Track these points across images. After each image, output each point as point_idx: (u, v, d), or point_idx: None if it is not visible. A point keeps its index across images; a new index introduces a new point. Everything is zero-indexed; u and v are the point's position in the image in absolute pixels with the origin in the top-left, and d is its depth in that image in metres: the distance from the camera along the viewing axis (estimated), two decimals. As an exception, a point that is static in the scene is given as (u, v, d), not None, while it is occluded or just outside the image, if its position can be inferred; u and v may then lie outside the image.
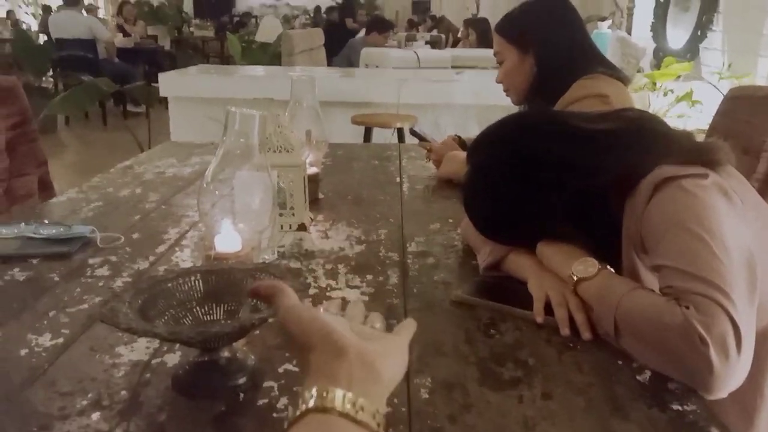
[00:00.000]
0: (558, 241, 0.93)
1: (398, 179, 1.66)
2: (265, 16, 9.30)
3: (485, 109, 3.26)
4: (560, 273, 0.89)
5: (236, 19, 14.41)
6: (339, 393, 0.45)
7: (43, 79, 6.56)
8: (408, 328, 0.58)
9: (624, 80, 1.50)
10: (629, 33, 3.50)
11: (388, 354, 0.51)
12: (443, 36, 7.64)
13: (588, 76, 1.44)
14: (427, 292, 0.96)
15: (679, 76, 2.91)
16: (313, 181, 1.42)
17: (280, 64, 5.18)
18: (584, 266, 0.86)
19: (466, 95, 3.42)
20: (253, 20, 13.84)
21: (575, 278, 0.85)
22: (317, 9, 12.79)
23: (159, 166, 1.73)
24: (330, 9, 10.33)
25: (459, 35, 7.50)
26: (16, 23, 10.54)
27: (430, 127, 3.34)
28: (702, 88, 3.09)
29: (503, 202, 0.96)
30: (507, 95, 1.61)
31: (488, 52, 4.92)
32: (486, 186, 0.99)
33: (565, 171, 0.90)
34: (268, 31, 6.39)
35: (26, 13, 12.77)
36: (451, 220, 1.29)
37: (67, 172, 4.90)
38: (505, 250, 0.99)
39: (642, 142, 0.91)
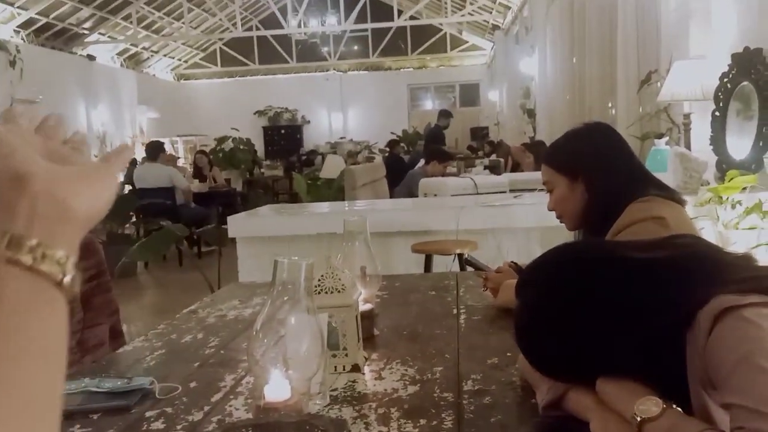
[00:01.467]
0: (619, 376, 0.88)
1: (455, 310, 1.64)
2: (329, 155, 9.83)
3: (547, 230, 3.23)
4: (623, 413, 0.83)
5: (303, 157, 15.27)
6: (14, 235, 0.36)
7: (126, 226, 7.03)
8: (121, 154, 0.47)
9: (680, 201, 1.47)
10: (688, 147, 3.47)
11: (87, 184, 0.41)
12: (502, 160, 7.79)
13: (642, 199, 1.42)
14: (483, 437, 0.91)
15: (744, 188, 2.83)
16: (367, 317, 1.42)
17: (344, 199, 5.39)
18: (648, 405, 0.80)
19: (527, 218, 3.42)
20: (319, 157, 14.64)
21: (639, 419, 0.79)
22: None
23: (221, 309, 1.78)
24: (392, 142, 10.82)
25: (515, 159, 7.65)
26: (105, 176, 11.49)
27: (492, 251, 3.33)
28: (772, 197, 2.98)
29: (555, 340, 0.92)
30: (561, 221, 1.61)
31: (546, 173, 4.98)
32: (537, 323, 0.96)
33: (621, 311, 0.87)
34: (331, 168, 6.72)
35: (115, 166, 13.95)
36: (509, 354, 1.25)
37: (144, 314, 5.10)
38: (564, 387, 0.94)
39: (699, 271, 0.87)
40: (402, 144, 12.56)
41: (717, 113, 3.44)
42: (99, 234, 7.34)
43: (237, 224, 3.52)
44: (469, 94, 18.31)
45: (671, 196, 1.46)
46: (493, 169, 6.59)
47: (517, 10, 12.62)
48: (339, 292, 1.22)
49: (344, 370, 1.21)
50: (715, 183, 3.32)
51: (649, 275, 0.88)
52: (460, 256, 3.09)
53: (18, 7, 11.66)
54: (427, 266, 3.20)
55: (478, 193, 4.08)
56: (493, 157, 8.63)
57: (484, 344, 1.35)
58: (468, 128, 16.26)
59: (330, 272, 1.23)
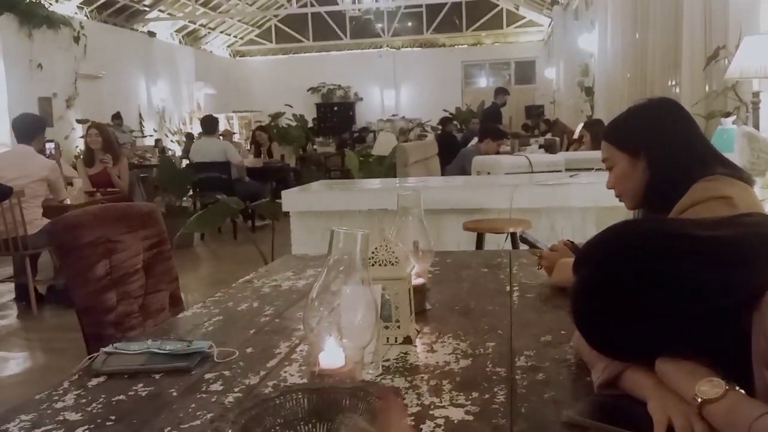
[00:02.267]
0: (680, 357, 0.86)
1: (508, 288, 1.63)
2: (381, 131, 9.82)
3: (603, 211, 3.16)
4: (683, 393, 0.81)
5: (355, 134, 15.32)
6: None
7: (184, 199, 7.22)
8: None
9: (748, 181, 1.41)
10: (756, 127, 3.32)
11: None
12: (557, 139, 7.63)
13: (708, 178, 1.37)
14: (536, 412, 0.91)
15: (817, 168, 2.70)
16: (420, 291, 1.43)
17: (395, 176, 5.39)
18: (710, 386, 0.78)
19: (582, 198, 3.35)
20: (371, 135, 14.65)
21: (700, 400, 0.78)
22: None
23: (276, 280, 1.82)
24: (444, 120, 10.73)
25: (574, 137, 7.47)
26: (162, 150, 11.83)
27: (546, 231, 3.28)
28: None
29: (614, 318, 0.90)
30: (620, 200, 1.57)
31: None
32: (594, 301, 0.94)
33: (683, 291, 0.84)
34: (383, 144, 6.73)
35: (172, 141, 14.36)
36: (563, 332, 1.23)
37: (200, 285, 5.25)
38: (622, 366, 0.92)
39: (767, 251, 0.84)
40: (455, 122, 12.43)
41: (790, 91, 3.27)
42: (159, 206, 7.58)
43: (290, 199, 3.57)
44: (525, 72, 17.93)
45: (739, 175, 1.40)
46: (549, 148, 6.45)
47: (577, -16, 12.23)
48: (392, 264, 1.23)
49: (396, 341, 1.22)
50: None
51: (714, 254, 0.85)
52: (513, 235, 3.06)
53: (82, -15, 12.01)
54: (479, 245, 3.18)
55: (532, 172, 4.01)
56: (549, 136, 8.45)
57: (537, 321, 1.34)
58: (523, 106, 15.96)
59: (384, 245, 1.24)
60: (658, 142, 1.44)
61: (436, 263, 1.88)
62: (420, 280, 1.46)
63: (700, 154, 1.43)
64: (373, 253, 1.23)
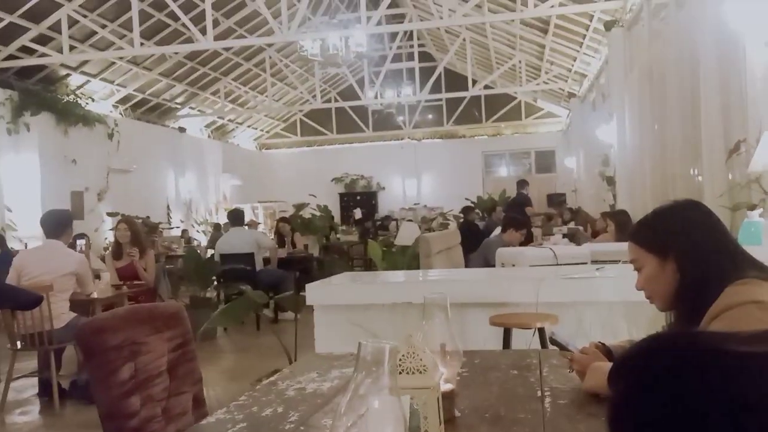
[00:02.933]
0: None
1: (539, 393, 1.57)
2: (404, 222, 9.91)
3: (632, 306, 3.09)
4: None
5: (378, 223, 15.47)
6: None
7: (208, 290, 7.26)
8: None
9: None
10: (784, 218, 3.29)
11: None
12: (581, 228, 7.62)
13: (740, 282, 1.34)
14: None
15: None
16: (448, 398, 1.39)
17: (418, 266, 5.38)
18: None
19: (610, 292, 3.30)
20: (394, 223, 14.77)
21: None
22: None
23: (300, 382, 1.79)
24: (466, 209, 10.81)
25: (597, 227, 7.45)
26: (189, 241, 12.02)
27: (574, 326, 3.21)
28: None
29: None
30: (651, 302, 1.54)
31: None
32: (631, 421, 0.90)
33: (728, 412, 0.81)
34: (406, 234, 6.76)
35: (198, 231, 14.62)
36: (600, 444, 1.18)
37: (222, 378, 5.18)
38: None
39: None
40: (477, 210, 12.52)
41: (815, 183, 3.26)
42: (182, 297, 7.61)
43: (314, 292, 3.56)
44: (545, 161, 18.20)
45: None
46: (573, 237, 6.44)
47: (593, 78, 12.60)
48: (420, 373, 1.20)
49: (425, 454, 1.17)
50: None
51: (760, 371, 0.82)
52: (541, 330, 2.99)
53: (117, 85, 12.67)
54: (506, 340, 3.11)
55: (558, 264, 3.98)
56: (572, 224, 8.45)
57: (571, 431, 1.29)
58: (544, 195, 16.07)
59: (411, 352, 1.22)
60: (687, 245, 1.43)
61: (464, 364, 1.84)
62: (448, 386, 1.42)
63: (730, 256, 1.41)
64: (400, 360, 1.21)
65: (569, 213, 11.05)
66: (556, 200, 14.85)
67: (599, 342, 1.67)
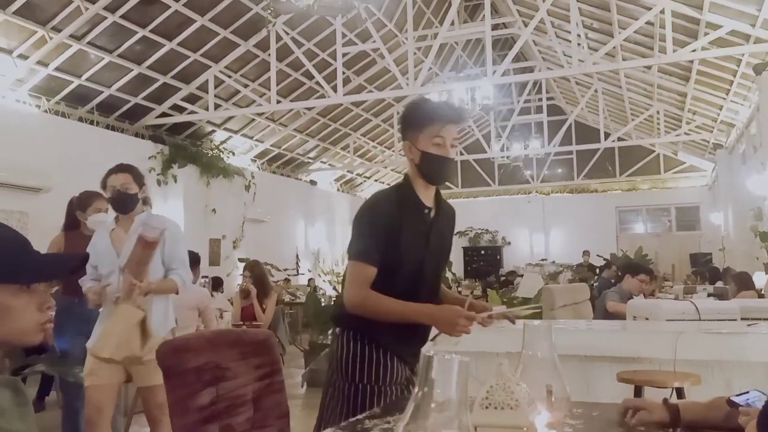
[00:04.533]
0: None
1: (669, 454, 1.29)
2: (527, 273, 9.47)
3: (793, 368, 2.62)
4: None
5: (502, 278, 14.97)
6: None
7: (327, 335, 7.26)
8: None
9: None
10: None
11: None
12: (729, 287, 6.83)
13: None
14: None
15: None
16: (551, 449, 1.16)
17: (541, 319, 5.03)
18: None
19: (765, 351, 2.82)
20: (518, 279, 14.21)
21: None
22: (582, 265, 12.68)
23: (389, 422, 1.61)
24: (604, 265, 10.15)
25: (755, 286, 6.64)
26: (315, 289, 12.27)
27: (720, 389, 2.76)
28: None
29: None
30: None
31: (789, 302, 4.18)
32: None
33: None
34: (529, 286, 6.40)
35: (324, 281, 14.94)
36: None
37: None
38: None
39: None
40: (614, 267, 11.73)
41: None
42: (302, 342, 7.68)
43: (423, 337, 3.38)
44: (688, 217, 16.86)
45: None
46: (720, 297, 5.76)
47: (742, 128, 11.58)
48: (511, 408, 1.00)
49: None
50: None
51: None
52: (679, 390, 2.59)
53: (256, 140, 13.50)
54: (636, 400, 2.73)
55: (700, 320, 3.51)
56: (719, 284, 7.62)
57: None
58: (687, 254, 14.82)
59: (501, 384, 1.02)
60: None
61: (578, 415, 1.58)
62: (552, 433, 1.19)
63: None
64: (487, 392, 1.02)
65: (711, 273, 9.99)
66: (701, 260, 13.60)
67: (665, 398, 1.39)
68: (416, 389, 0.77)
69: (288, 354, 8.08)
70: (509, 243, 18.09)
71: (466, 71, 13.85)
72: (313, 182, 16.05)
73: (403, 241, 1.97)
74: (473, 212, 18.09)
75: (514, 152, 15.65)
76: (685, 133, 13.64)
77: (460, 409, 0.77)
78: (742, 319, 3.53)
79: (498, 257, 17.99)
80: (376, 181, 19.09)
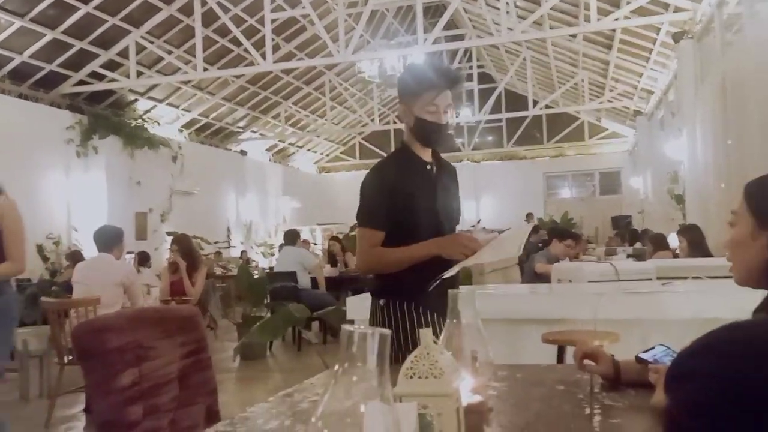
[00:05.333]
0: None
1: (588, 411, 1.34)
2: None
3: (704, 323, 2.77)
4: None
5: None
6: None
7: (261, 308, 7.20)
8: None
9: None
10: None
11: None
12: (647, 248, 7.16)
13: None
14: None
15: None
16: (476, 412, 1.18)
17: (471, 284, 5.14)
18: None
19: (681, 309, 2.99)
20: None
21: None
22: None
23: (318, 394, 1.61)
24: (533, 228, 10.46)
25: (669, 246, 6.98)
26: (248, 261, 12.11)
27: (638, 346, 2.90)
28: None
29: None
30: (730, 270, 1.29)
31: (700, 262, 4.43)
32: (701, 428, 0.68)
33: None
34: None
35: (257, 252, 14.76)
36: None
37: (266, 397, 5.05)
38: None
39: None
40: (541, 231, 12.10)
41: None
42: (235, 316, 7.59)
43: (356, 306, 3.39)
44: (610, 182, 17.55)
45: None
46: (638, 258, 6.04)
47: (661, 95, 12.07)
48: (435, 377, 1.01)
49: (440, 477, 0.97)
50: None
51: None
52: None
53: (182, 109, 13.04)
54: (560, 360, 2.84)
55: (619, 280, 3.67)
56: (638, 245, 7.98)
57: (623, 457, 1.05)
58: (609, 217, 15.46)
59: (425, 353, 1.03)
60: None
61: (503, 378, 1.63)
62: (476, 398, 1.21)
63: None
64: (412, 362, 1.02)
65: (630, 234, 10.46)
66: (621, 222, 14.21)
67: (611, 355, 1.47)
68: (336, 366, 0.77)
69: (220, 328, 7.98)
70: (442, 210, 18.34)
71: (398, 39, 13.77)
72: (243, 152, 15.71)
73: (413, 201, 2.05)
74: (406, 180, 18.18)
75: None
76: (608, 101, 14.10)
77: (383, 382, 0.77)
78: (657, 278, 3.71)
79: (431, 224, 18.23)
80: (309, 150, 18.88)
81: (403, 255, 2.00)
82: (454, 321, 1.24)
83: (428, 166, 2.14)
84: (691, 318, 2.91)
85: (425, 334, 1.05)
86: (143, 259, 7.57)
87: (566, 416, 1.32)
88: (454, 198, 2.23)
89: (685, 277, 3.47)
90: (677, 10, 8.61)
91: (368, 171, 2.18)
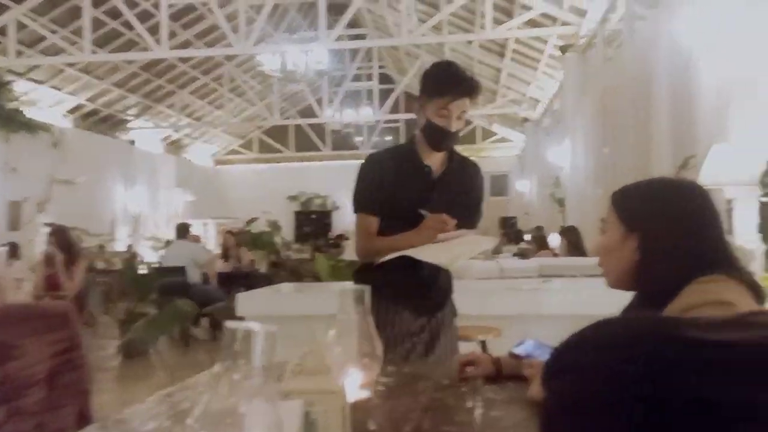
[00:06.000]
0: None
1: (471, 404, 1.39)
2: (353, 238, 9.69)
3: (579, 320, 2.94)
4: None
5: (330, 241, 15.22)
6: None
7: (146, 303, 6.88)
8: None
9: (755, 288, 1.20)
10: (730, 233, 3.22)
11: None
12: (531, 247, 7.54)
13: (706, 278, 1.17)
14: None
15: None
16: (362, 408, 1.19)
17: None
18: None
19: (558, 305, 3.17)
20: (346, 242, 14.54)
21: None
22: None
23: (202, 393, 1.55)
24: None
25: (550, 246, 7.39)
26: (134, 255, 11.54)
27: (518, 339, 3.05)
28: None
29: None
30: (603, 275, 1.37)
31: (579, 261, 4.72)
32: (575, 423, 0.71)
33: (692, 412, 0.62)
34: (353, 249, 6.56)
35: (145, 246, 14.11)
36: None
37: (148, 395, 4.83)
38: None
39: None
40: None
41: (765, 199, 3.20)
42: (118, 312, 7.21)
43: (246, 302, 3.32)
44: (499, 185, 18.29)
45: (746, 278, 1.20)
46: (523, 256, 6.34)
47: (548, 103, 12.74)
48: (322, 374, 1.00)
49: (323, 474, 0.97)
50: (764, 274, 3.04)
51: (728, 364, 0.64)
52: (483, 343, 2.82)
53: (68, 93, 12.21)
54: (448, 355, 2.93)
55: (503, 278, 3.84)
56: (523, 244, 8.39)
57: (501, 447, 1.10)
58: (497, 218, 16.13)
59: (313, 350, 1.02)
60: (655, 225, 1.25)
61: (391, 373, 1.65)
62: (364, 395, 1.22)
63: (703, 251, 1.22)
64: (300, 359, 1.01)
65: (515, 234, 10.97)
66: (508, 223, 14.91)
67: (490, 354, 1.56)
68: (218, 364, 0.74)
69: (101, 324, 7.55)
70: (338, 207, 18.37)
71: (300, 34, 13.61)
72: (131, 142, 14.95)
73: (398, 196, 2.06)
74: (305, 177, 18.08)
75: (346, 118, 15.80)
76: (500, 107, 14.69)
77: (267, 379, 0.75)
78: (539, 276, 3.92)
79: (327, 221, 18.22)
80: (205, 142, 18.27)
81: (385, 244, 2.03)
82: (344, 317, 1.24)
83: (426, 168, 2.11)
84: (569, 314, 3.09)
85: (315, 332, 1.05)
86: (14, 251, 7.02)
87: (450, 409, 1.36)
88: (458, 203, 2.13)
89: (563, 275, 3.68)
90: (564, 24, 9.11)
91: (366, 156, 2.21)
